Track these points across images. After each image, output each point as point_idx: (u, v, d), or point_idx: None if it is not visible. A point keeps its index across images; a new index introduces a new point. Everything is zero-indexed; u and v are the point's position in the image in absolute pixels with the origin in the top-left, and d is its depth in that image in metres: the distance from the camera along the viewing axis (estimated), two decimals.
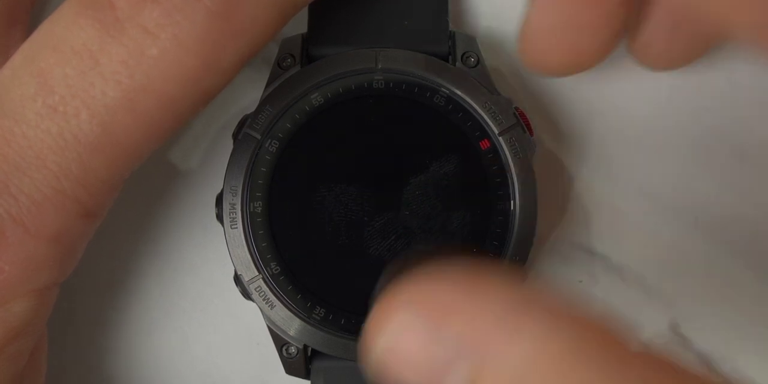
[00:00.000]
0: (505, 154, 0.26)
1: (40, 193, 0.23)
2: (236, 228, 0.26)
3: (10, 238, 0.23)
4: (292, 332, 0.26)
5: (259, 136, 0.26)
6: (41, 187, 0.23)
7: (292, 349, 0.27)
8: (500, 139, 0.26)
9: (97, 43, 0.22)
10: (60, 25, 0.23)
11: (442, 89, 0.26)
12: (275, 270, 0.26)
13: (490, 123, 0.26)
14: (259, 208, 0.26)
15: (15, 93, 0.23)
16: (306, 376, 0.27)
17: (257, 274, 0.26)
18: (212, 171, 0.29)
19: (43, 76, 0.22)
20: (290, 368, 0.27)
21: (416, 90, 0.26)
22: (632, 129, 0.29)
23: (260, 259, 0.26)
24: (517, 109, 0.27)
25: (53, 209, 0.23)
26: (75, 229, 0.24)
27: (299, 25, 0.27)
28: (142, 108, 0.22)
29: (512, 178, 0.26)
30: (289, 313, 0.26)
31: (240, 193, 0.26)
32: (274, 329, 0.26)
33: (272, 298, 0.26)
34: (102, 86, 0.22)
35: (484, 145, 0.26)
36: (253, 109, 0.26)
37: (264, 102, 0.26)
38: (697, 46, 0.26)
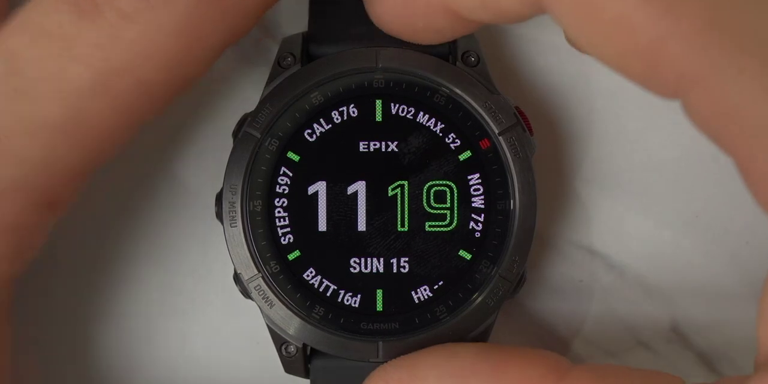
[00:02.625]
0: (505, 154, 0.26)
1: None
2: (236, 226, 0.26)
3: None
4: (291, 331, 0.26)
5: (258, 135, 0.26)
6: (1, 174, 0.22)
7: (292, 348, 0.26)
8: (500, 138, 0.26)
9: (72, 25, 0.21)
10: (36, 8, 0.22)
11: (442, 88, 0.26)
12: (275, 269, 0.26)
13: (490, 122, 0.26)
14: (259, 207, 0.26)
15: None
16: (305, 375, 0.27)
17: (257, 272, 0.26)
18: (212, 170, 0.29)
19: (14, 57, 0.22)
20: (289, 367, 0.27)
21: (416, 89, 0.26)
22: (632, 129, 0.29)
23: (260, 258, 0.26)
24: (517, 108, 0.27)
25: (12, 197, 0.22)
26: (34, 219, 0.23)
27: (299, 24, 0.27)
28: (115, 92, 0.22)
29: (512, 178, 0.26)
30: (289, 311, 0.26)
31: (240, 191, 0.26)
32: (273, 328, 0.26)
33: (271, 296, 0.26)
34: (75, 69, 0.21)
35: (484, 144, 0.26)
36: (253, 108, 0.26)
37: (264, 101, 0.26)
38: None
